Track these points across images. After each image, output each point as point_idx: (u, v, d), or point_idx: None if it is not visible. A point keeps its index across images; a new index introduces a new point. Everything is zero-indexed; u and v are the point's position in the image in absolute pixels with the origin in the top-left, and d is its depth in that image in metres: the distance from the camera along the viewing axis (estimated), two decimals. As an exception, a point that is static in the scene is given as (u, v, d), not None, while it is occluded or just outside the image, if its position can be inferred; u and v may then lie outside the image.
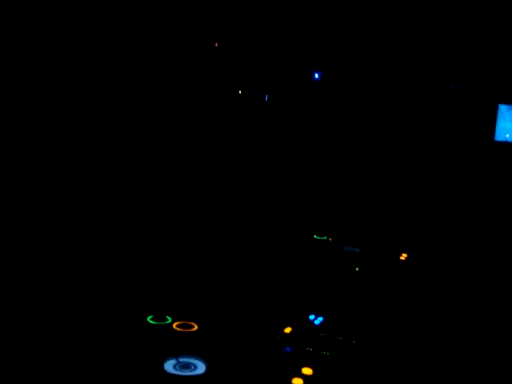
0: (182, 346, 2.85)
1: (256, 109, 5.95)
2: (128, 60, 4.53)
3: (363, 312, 3.56)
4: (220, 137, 5.54)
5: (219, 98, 5.56)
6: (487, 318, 3.65)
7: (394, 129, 6.33)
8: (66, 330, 2.91)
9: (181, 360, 2.71)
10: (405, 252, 4.91)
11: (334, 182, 6.29)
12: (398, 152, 6.32)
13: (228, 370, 2.68)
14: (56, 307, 3.18)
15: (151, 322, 3.11)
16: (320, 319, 3.39)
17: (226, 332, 3.08)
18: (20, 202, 3.82)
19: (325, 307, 3.57)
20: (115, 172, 4.45)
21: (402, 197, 6.18)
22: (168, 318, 3.18)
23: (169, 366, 2.66)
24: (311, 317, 3.41)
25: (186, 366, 2.67)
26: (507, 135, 6.14)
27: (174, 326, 3.10)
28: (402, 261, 4.70)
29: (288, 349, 2.95)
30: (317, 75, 6.27)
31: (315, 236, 5.20)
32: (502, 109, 6.14)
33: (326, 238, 5.19)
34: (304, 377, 2.66)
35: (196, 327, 3.11)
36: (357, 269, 4.38)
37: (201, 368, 2.67)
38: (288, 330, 3.18)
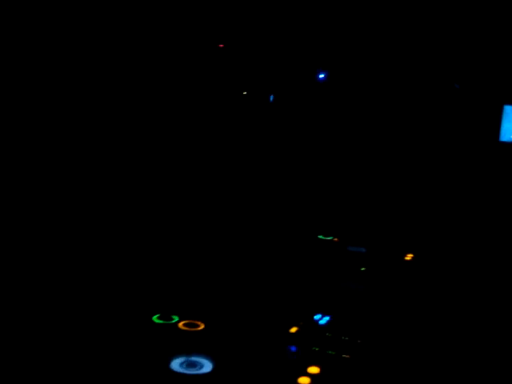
0: (188, 345, 2.86)
1: (261, 109, 5.96)
2: (135, 61, 4.54)
3: (369, 312, 3.56)
4: (226, 137, 5.55)
5: (224, 98, 5.57)
6: (494, 318, 3.64)
7: (399, 129, 6.33)
8: (73, 330, 2.92)
9: (189, 358, 2.71)
10: (410, 252, 4.91)
11: (340, 183, 6.29)
12: (404, 152, 6.31)
13: (234, 368, 2.68)
14: (63, 307, 3.19)
15: (157, 321, 3.12)
16: (326, 319, 3.39)
17: (232, 331, 3.09)
18: (24, 202, 3.84)
19: (330, 307, 3.57)
20: (126, 170, 4.46)
21: (408, 197, 6.18)
22: (174, 317, 3.19)
23: (175, 364, 2.66)
24: (317, 316, 3.41)
25: (193, 365, 2.68)
26: (512, 136, 6.13)
27: (180, 325, 3.10)
28: (408, 261, 4.70)
29: (294, 348, 2.95)
30: (322, 76, 6.27)
31: (321, 236, 5.21)
32: (507, 109, 6.14)
33: (331, 238, 5.19)
34: (311, 376, 2.66)
35: (202, 326, 3.11)
36: (362, 269, 4.38)
37: (207, 367, 2.68)
38: (294, 329, 3.18)
